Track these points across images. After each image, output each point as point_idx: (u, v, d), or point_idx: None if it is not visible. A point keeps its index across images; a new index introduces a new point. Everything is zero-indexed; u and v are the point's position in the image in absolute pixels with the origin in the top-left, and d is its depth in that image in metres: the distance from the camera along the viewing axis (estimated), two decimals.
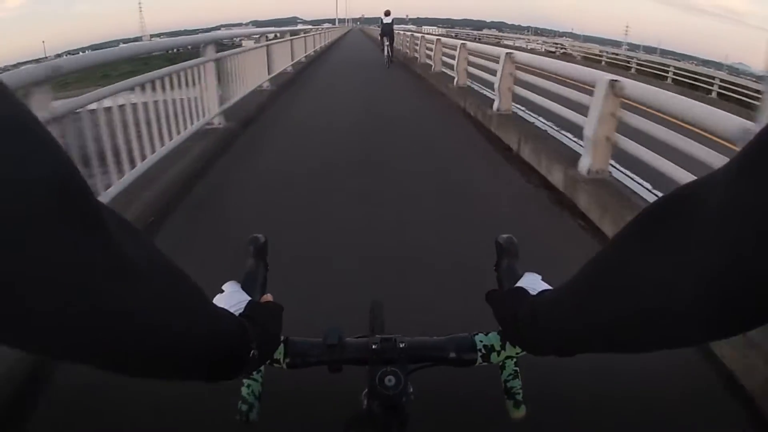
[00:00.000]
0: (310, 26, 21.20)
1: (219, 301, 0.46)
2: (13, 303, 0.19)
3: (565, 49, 25.79)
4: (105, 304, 0.22)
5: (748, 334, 1.45)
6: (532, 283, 0.48)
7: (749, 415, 1.42)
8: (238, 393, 0.50)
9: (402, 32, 15.09)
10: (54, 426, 1.36)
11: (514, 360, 0.52)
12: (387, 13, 12.08)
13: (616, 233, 0.32)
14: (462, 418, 1.29)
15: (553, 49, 26.04)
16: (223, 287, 0.49)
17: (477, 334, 0.51)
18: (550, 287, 0.46)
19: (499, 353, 0.50)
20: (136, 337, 0.25)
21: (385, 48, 11.82)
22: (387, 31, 11.89)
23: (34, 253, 0.19)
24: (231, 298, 0.47)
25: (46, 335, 0.21)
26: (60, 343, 0.22)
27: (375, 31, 25.61)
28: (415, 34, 12.88)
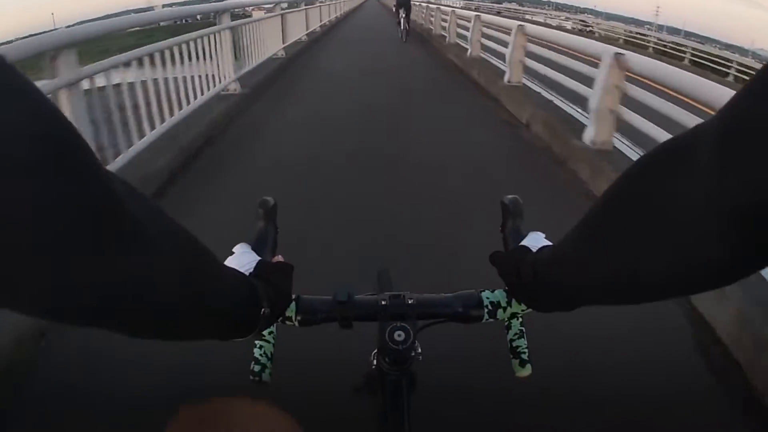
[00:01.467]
0: None
1: (230, 262, 0.47)
2: (22, 269, 0.19)
3: (590, 27, 25.49)
4: (115, 269, 0.22)
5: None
6: (535, 241, 0.49)
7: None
8: (250, 354, 0.51)
9: (418, 3, 14.78)
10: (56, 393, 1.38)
11: (520, 320, 0.53)
12: None
13: (608, 186, 0.32)
14: (468, 377, 1.34)
15: (580, 27, 25.74)
16: (234, 249, 0.50)
17: (483, 290, 0.52)
18: (551, 244, 0.47)
19: (505, 309, 0.51)
20: (145, 301, 0.26)
21: (401, 21, 10.79)
22: (403, 1, 10.77)
23: (42, 221, 0.19)
24: (241, 258, 0.48)
25: (51, 301, 0.21)
26: (69, 308, 0.23)
27: (391, 1, 24.53)
28: (431, 6, 12.71)
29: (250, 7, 7.72)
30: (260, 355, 0.51)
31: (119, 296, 0.23)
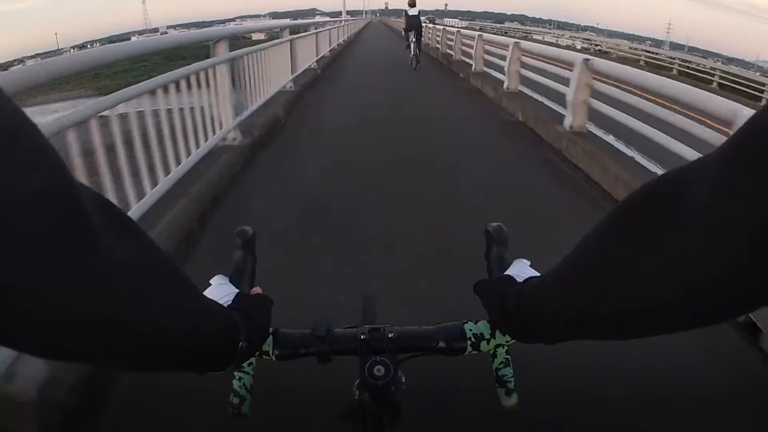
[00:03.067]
0: (328, 17, 17.76)
1: (207, 294, 0.46)
2: (5, 309, 0.20)
3: (600, 46, 26.99)
4: (91, 306, 0.23)
5: None
6: (520, 270, 0.49)
7: None
8: (229, 386, 0.50)
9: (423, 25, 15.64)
10: None
11: (505, 348, 0.52)
12: (412, 4, 9.62)
13: (600, 220, 0.31)
14: (454, 407, 1.30)
15: (586, 45, 27.25)
16: (211, 281, 0.49)
17: (467, 322, 0.51)
18: (537, 274, 0.47)
19: (488, 341, 0.50)
20: (123, 336, 0.26)
21: (411, 45, 9.55)
22: (414, 24, 9.55)
23: (21, 262, 0.19)
24: (219, 290, 0.47)
25: (32, 338, 0.22)
26: (49, 345, 0.23)
27: (397, 23, 24.82)
28: (437, 27, 13.70)
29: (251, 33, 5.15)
30: (239, 387, 0.51)
31: (89, 329, 0.24)
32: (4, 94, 0.19)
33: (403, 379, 0.50)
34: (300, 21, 9.28)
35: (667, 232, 0.25)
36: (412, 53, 9.59)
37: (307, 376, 0.89)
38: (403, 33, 10.49)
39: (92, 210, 0.23)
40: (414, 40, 9.47)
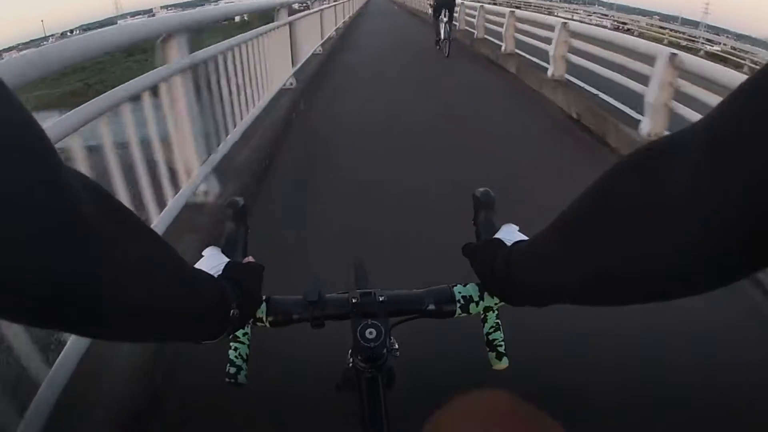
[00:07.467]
0: None
1: (199, 265, 0.47)
2: None
3: (627, 24, 28.32)
4: (79, 282, 0.23)
5: None
6: (509, 234, 0.50)
7: None
8: (225, 356, 0.51)
9: None
10: None
11: (496, 312, 0.53)
12: None
13: (588, 186, 0.32)
14: (445, 371, 1.29)
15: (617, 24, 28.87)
16: (203, 252, 0.50)
17: (456, 285, 0.53)
18: (526, 238, 0.47)
19: (477, 303, 0.51)
20: (113, 311, 0.26)
21: (442, 28, 7.67)
22: (445, 1, 7.57)
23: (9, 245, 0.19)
24: (210, 261, 0.48)
25: (17, 309, 0.22)
26: (39, 316, 0.23)
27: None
28: (465, 2, 10.27)
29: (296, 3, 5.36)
30: (235, 357, 0.51)
31: (82, 297, 0.24)
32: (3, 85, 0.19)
33: (396, 346, 0.54)
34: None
35: (654, 199, 0.26)
36: (443, 36, 7.66)
37: (303, 343, 0.93)
38: (431, 13, 8.34)
39: (82, 195, 0.23)
40: (446, 20, 7.51)
